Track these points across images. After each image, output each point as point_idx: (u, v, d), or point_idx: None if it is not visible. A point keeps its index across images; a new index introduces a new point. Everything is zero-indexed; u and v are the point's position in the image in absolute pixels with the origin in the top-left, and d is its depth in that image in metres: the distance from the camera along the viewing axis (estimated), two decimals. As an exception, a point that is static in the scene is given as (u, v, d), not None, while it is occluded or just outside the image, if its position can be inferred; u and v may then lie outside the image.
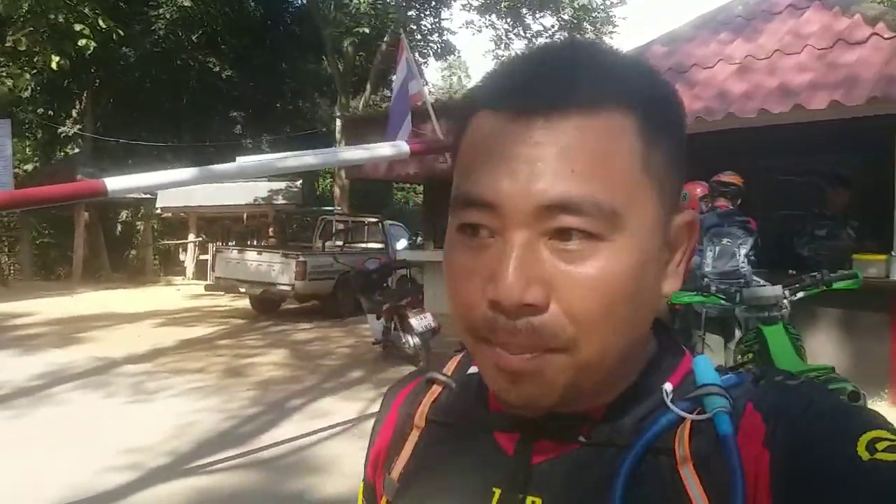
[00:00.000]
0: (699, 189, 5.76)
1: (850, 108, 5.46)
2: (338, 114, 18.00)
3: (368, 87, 20.05)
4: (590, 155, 0.55)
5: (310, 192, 24.16)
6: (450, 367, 0.79)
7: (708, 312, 5.40)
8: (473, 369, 0.74)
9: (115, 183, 3.56)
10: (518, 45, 20.42)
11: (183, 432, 5.90)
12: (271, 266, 12.32)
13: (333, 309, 12.44)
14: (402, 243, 9.92)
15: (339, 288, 12.33)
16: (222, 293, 13.90)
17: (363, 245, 14.09)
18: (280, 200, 20.03)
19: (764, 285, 4.90)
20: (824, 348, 6.04)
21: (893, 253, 5.98)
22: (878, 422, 0.56)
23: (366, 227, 14.59)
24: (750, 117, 5.90)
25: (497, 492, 0.66)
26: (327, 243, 13.54)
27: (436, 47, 21.08)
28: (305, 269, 11.89)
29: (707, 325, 5.50)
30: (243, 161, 4.25)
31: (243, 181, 21.18)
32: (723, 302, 4.46)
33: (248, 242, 17.85)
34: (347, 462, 5.14)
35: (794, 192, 7.99)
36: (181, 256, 22.43)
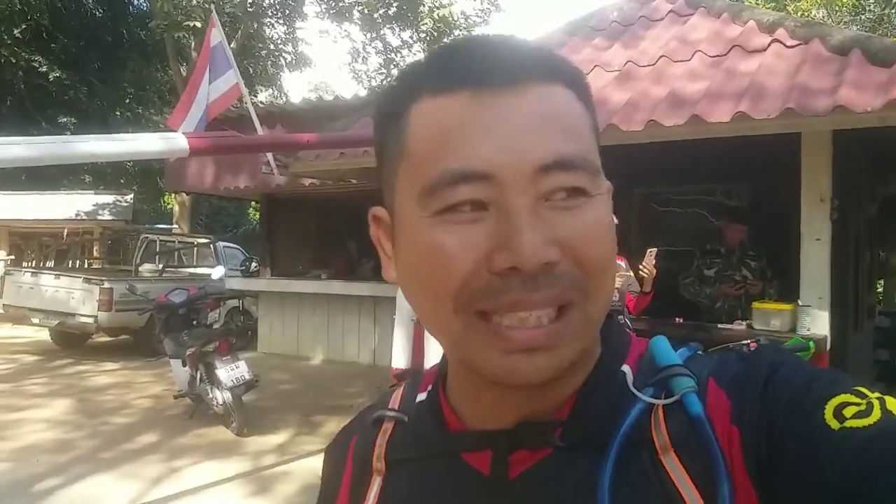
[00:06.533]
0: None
1: (757, 123, 4.40)
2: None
3: (244, 96, 18.06)
4: (562, 118, 0.58)
5: (148, 209, 22.00)
6: (394, 400, 0.76)
7: None
8: (421, 396, 0.73)
9: None
10: (375, 60, 19.13)
11: None
12: (70, 293, 10.19)
13: (148, 345, 10.47)
14: (218, 271, 8.28)
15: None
16: (12, 323, 11.58)
17: (191, 270, 12.16)
18: (106, 216, 17.72)
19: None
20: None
21: (801, 302, 4.95)
22: (843, 385, 0.55)
23: (195, 248, 12.65)
24: (637, 130, 4.76)
25: None
26: (143, 267, 11.54)
27: (289, 58, 19.39)
28: (112, 297, 9.86)
29: None
30: None
31: (65, 193, 18.90)
32: None
33: (71, 263, 15.40)
34: None
35: (677, 226, 7.05)
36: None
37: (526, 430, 0.62)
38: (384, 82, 19.32)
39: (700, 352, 0.65)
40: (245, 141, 4.13)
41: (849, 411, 0.52)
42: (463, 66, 0.58)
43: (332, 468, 0.78)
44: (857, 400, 0.52)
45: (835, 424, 0.51)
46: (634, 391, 0.61)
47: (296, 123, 9.21)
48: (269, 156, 6.41)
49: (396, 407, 0.73)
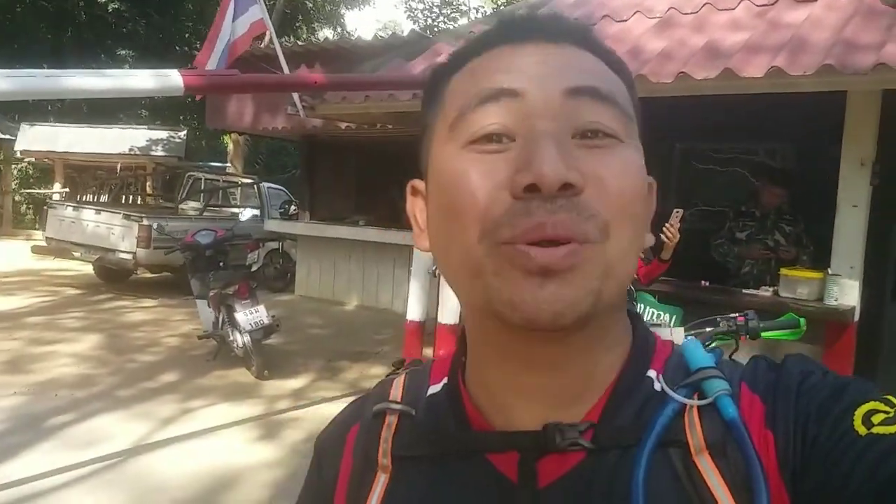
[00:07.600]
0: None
1: (793, 79, 4.07)
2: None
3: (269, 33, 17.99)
4: (598, 72, 0.59)
5: (206, 146, 22.20)
6: (395, 391, 0.70)
7: None
8: (433, 388, 0.70)
9: None
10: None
11: None
12: (110, 229, 10.32)
13: (188, 283, 10.66)
14: (246, 213, 8.25)
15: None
16: (54, 256, 11.72)
17: (233, 210, 12.23)
18: (159, 152, 17.84)
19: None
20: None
21: (831, 271, 4.66)
22: (872, 393, 0.55)
23: (240, 189, 12.70)
24: (666, 82, 4.47)
25: None
26: (184, 205, 11.63)
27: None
28: (150, 234, 9.96)
29: None
30: None
31: (120, 128, 19.14)
32: None
33: (125, 198, 15.64)
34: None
35: (715, 185, 6.73)
36: (50, 209, 19.97)
37: (554, 432, 0.59)
38: (439, 20, 18.94)
39: (728, 359, 0.64)
40: (244, 79, 3.95)
41: (877, 418, 0.52)
42: (505, 29, 0.62)
43: (327, 460, 0.73)
44: (886, 408, 0.52)
45: (862, 430, 0.51)
46: (668, 391, 0.60)
47: (333, 63, 9.04)
48: (296, 96, 6.28)
49: (399, 399, 0.69)
